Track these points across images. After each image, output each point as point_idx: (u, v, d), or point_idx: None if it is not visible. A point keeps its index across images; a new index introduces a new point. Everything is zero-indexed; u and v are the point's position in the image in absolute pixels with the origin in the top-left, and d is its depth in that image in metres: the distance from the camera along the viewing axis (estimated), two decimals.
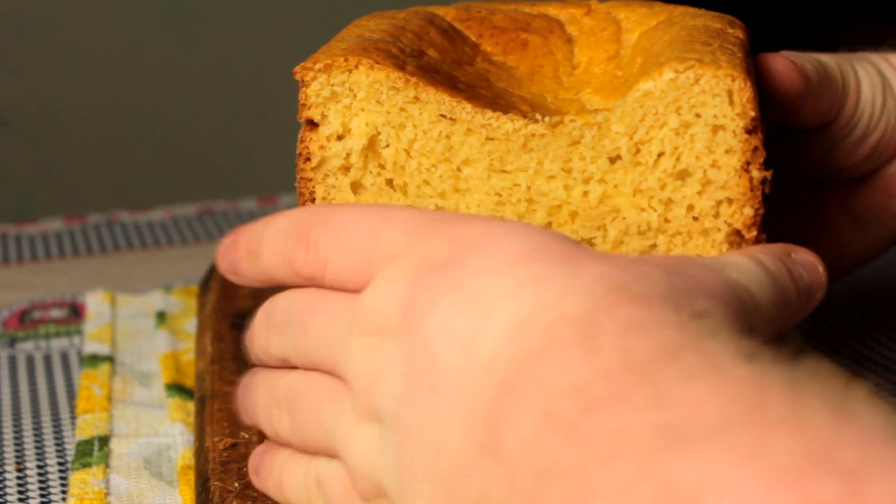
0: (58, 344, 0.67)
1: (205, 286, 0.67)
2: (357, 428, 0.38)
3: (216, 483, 0.47)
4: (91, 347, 0.65)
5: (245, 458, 0.49)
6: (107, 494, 0.51)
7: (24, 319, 0.70)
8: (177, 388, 0.60)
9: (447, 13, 0.52)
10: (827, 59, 0.52)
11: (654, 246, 0.45)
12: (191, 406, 0.58)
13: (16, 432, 0.57)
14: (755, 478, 0.26)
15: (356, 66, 0.46)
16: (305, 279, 0.41)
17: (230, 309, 0.62)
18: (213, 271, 0.68)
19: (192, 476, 0.52)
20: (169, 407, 0.58)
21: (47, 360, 0.65)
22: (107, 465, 0.53)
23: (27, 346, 0.67)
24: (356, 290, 0.39)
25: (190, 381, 0.61)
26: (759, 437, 0.27)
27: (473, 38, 0.51)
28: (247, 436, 0.50)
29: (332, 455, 0.40)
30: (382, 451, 0.37)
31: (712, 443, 0.27)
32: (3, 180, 1.59)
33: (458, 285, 0.35)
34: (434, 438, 0.34)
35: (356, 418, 0.38)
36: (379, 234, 0.39)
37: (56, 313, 0.71)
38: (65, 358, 0.65)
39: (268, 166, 1.49)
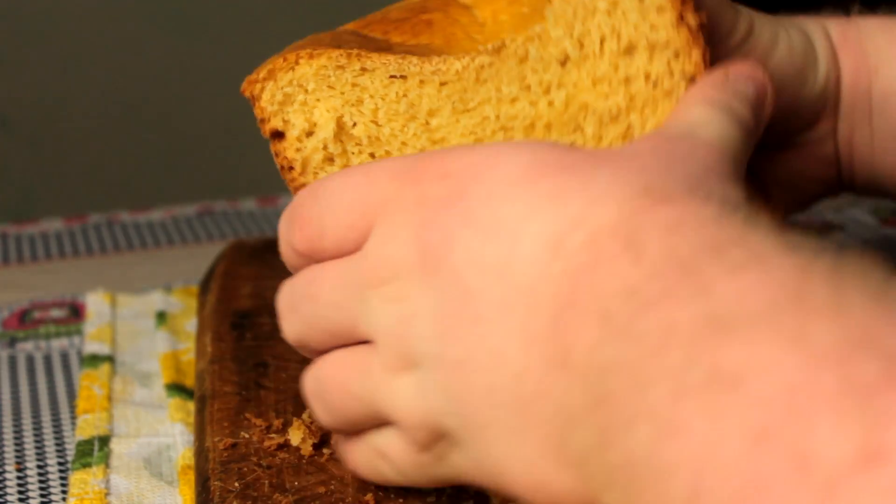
0: (58, 344, 0.67)
1: (205, 286, 0.67)
2: (393, 382, 0.38)
3: (216, 483, 0.47)
4: (91, 347, 0.65)
5: (245, 458, 0.49)
6: (107, 494, 0.51)
7: (24, 319, 0.70)
8: (177, 388, 0.60)
9: (347, 27, 0.52)
10: (742, 7, 0.51)
11: (629, 127, 0.45)
12: (191, 406, 0.58)
13: (16, 432, 0.57)
14: (797, 360, 0.27)
15: (297, 62, 0.47)
16: (307, 257, 0.41)
17: (230, 309, 0.62)
18: (213, 271, 0.68)
19: (192, 476, 0.52)
20: (169, 407, 0.58)
21: (47, 360, 0.65)
22: (107, 465, 0.53)
23: (27, 346, 0.67)
24: (357, 249, 0.39)
25: (190, 381, 0.61)
26: (801, 322, 0.28)
27: (380, 37, 0.51)
28: (247, 436, 0.50)
29: (378, 423, 0.40)
30: (427, 393, 0.37)
31: (756, 329, 0.28)
32: (3, 180, 1.59)
33: (471, 217, 0.35)
34: (491, 366, 0.34)
35: (389, 372, 0.38)
36: (367, 187, 0.39)
37: (56, 313, 0.71)
38: (65, 358, 0.65)
39: (268, 166, 1.49)
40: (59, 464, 0.55)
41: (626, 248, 0.32)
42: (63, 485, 0.53)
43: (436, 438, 0.38)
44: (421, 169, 0.38)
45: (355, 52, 0.46)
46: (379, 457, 0.41)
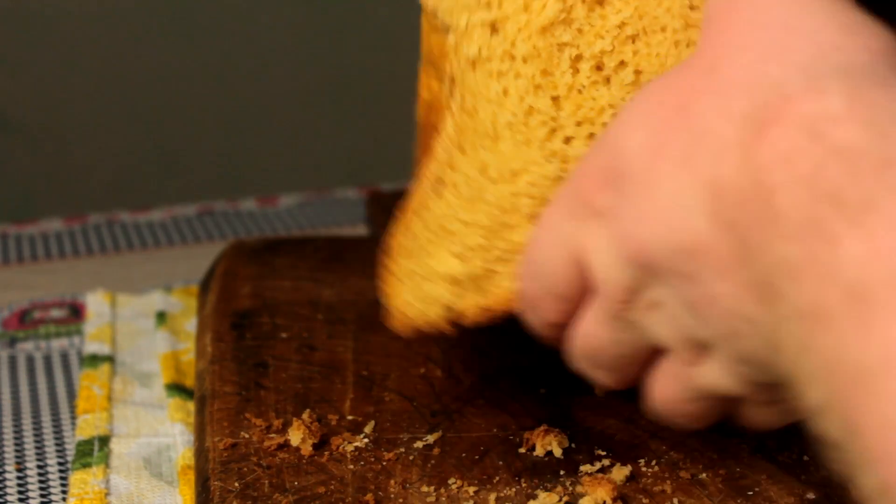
0: (58, 344, 0.67)
1: (205, 286, 0.67)
2: (705, 372, 0.39)
3: (216, 483, 0.47)
4: (91, 347, 0.65)
5: (245, 458, 0.49)
6: (107, 494, 0.51)
7: (24, 319, 0.70)
8: (177, 388, 0.60)
9: None
10: None
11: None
12: (191, 406, 0.58)
13: (16, 432, 0.57)
14: None
15: (389, 274, 0.49)
16: (563, 324, 0.43)
17: (230, 309, 0.62)
18: (213, 271, 0.68)
19: (192, 476, 0.52)
20: (169, 407, 0.58)
21: (47, 360, 0.65)
22: (107, 465, 0.53)
23: (27, 346, 0.67)
24: (592, 287, 0.40)
25: (190, 381, 0.61)
26: None
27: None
28: (247, 436, 0.50)
29: (731, 401, 0.41)
30: (734, 367, 0.38)
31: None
32: (3, 180, 1.59)
33: (644, 211, 0.37)
34: (748, 330, 0.35)
35: (696, 366, 0.40)
36: (557, 240, 0.41)
37: (56, 313, 0.71)
38: (65, 358, 0.65)
39: (268, 166, 1.49)
40: (59, 464, 0.55)
41: (765, 207, 0.32)
42: (63, 485, 0.53)
43: (775, 387, 0.38)
44: (579, 194, 0.40)
45: (406, 211, 0.48)
46: (771, 414, 0.42)
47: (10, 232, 0.86)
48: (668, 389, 0.42)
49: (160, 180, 1.63)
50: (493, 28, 0.47)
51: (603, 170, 0.39)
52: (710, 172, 0.35)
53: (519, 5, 0.46)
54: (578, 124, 0.46)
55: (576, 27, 0.46)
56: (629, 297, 0.39)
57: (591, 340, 0.42)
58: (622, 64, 0.46)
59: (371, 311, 0.63)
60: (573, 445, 0.50)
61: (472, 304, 0.47)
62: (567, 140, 0.46)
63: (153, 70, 1.62)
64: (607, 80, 0.46)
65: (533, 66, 0.46)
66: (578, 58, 0.46)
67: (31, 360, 0.65)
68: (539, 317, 0.43)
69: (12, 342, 0.67)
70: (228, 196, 0.95)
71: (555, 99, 0.46)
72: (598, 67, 0.46)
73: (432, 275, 0.48)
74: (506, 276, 0.47)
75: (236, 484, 0.47)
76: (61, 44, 1.58)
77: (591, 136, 0.46)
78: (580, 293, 0.41)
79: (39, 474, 0.54)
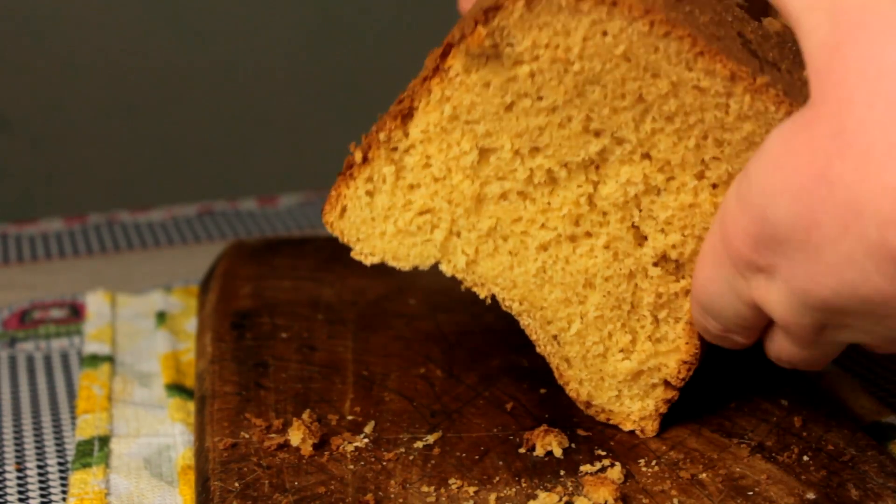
0: (58, 344, 0.67)
1: (205, 286, 0.67)
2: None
3: (216, 483, 0.47)
4: (91, 347, 0.65)
5: (245, 458, 0.49)
6: (107, 494, 0.51)
7: (24, 319, 0.70)
8: (177, 388, 0.60)
9: None
10: None
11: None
12: (191, 406, 0.58)
13: (16, 432, 0.57)
14: None
15: None
16: (750, 341, 0.47)
17: (230, 309, 0.62)
18: (213, 271, 0.68)
19: (192, 476, 0.52)
20: (169, 407, 0.58)
21: (47, 360, 0.65)
22: (107, 465, 0.53)
23: (27, 346, 0.67)
24: (763, 317, 0.45)
25: (190, 381, 0.61)
26: None
27: None
28: (247, 436, 0.50)
29: None
30: None
31: None
32: (3, 180, 1.59)
33: (799, 264, 0.40)
34: None
35: None
36: (723, 286, 0.45)
37: (56, 313, 0.71)
38: (65, 358, 0.65)
39: (268, 166, 1.49)
40: (59, 464, 0.55)
41: None
42: (63, 485, 0.53)
43: None
44: (736, 255, 0.42)
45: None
46: None
47: (10, 232, 0.86)
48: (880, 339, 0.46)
49: (160, 180, 1.63)
50: (454, 233, 0.50)
51: (753, 235, 0.41)
52: (875, 242, 0.37)
53: (434, 186, 0.50)
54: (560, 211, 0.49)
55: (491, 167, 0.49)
56: (818, 330, 0.43)
57: (791, 357, 0.46)
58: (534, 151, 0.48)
59: (371, 311, 0.63)
60: (573, 445, 0.50)
61: (674, 366, 0.50)
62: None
63: (153, 70, 1.62)
64: (554, 181, 0.49)
65: (501, 209, 0.49)
66: (507, 192, 0.49)
67: (31, 360, 0.65)
68: (729, 343, 0.48)
69: (12, 342, 0.67)
70: (228, 196, 0.95)
71: (532, 198, 0.49)
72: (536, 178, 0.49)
73: (630, 386, 0.51)
74: (670, 334, 0.50)
75: (236, 484, 0.47)
76: (61, 44, 1.58)
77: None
78: (764, 321, 0.45)
79: (39, 474, 0.54)
